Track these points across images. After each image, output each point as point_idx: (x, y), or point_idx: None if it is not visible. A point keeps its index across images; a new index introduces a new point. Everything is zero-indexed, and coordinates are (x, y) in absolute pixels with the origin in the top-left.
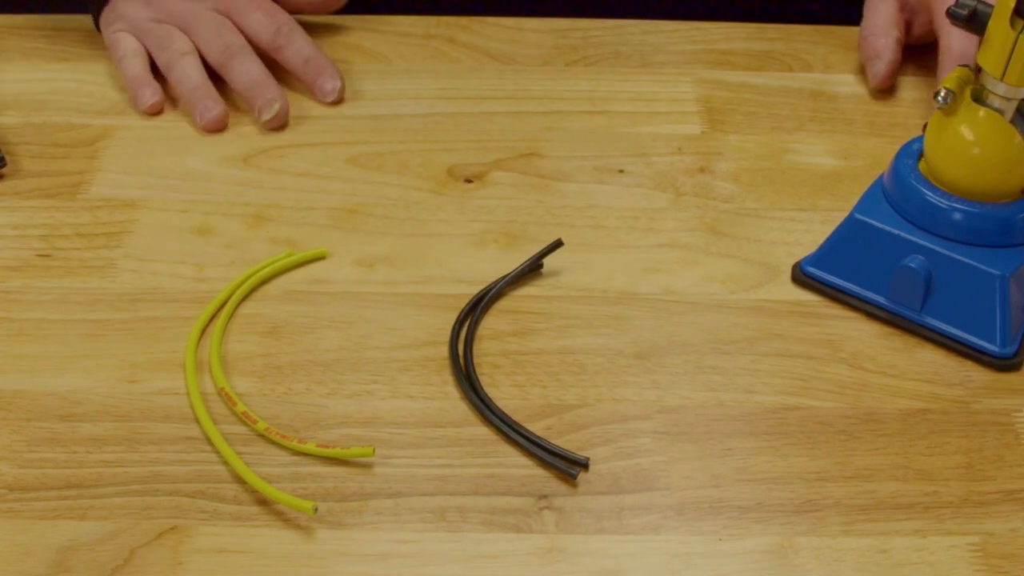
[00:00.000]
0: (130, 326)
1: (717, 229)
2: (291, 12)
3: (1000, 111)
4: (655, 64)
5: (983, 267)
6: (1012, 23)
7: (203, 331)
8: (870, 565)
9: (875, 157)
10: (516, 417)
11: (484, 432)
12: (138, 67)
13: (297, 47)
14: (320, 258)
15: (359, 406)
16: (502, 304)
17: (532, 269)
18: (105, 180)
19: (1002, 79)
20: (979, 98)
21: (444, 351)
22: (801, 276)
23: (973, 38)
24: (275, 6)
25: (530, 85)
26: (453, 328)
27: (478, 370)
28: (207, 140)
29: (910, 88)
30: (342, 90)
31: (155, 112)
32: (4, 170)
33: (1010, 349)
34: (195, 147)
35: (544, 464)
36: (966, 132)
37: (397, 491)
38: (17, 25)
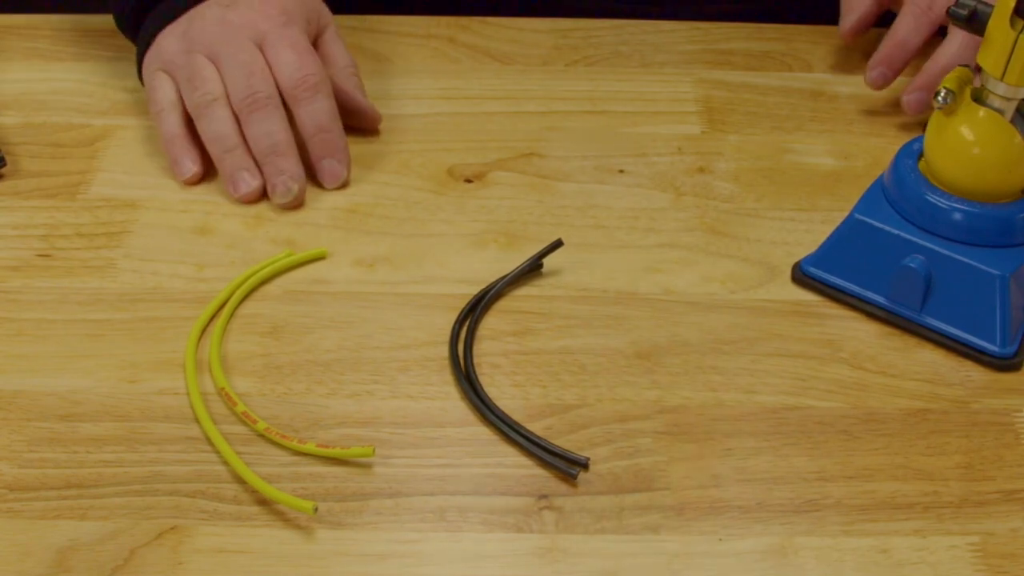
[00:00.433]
0: (130, 326)
1: (717, 229)
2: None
3: (1000, 111)
4: (655, 64)
5: (983, 267)
6: (1012, 23)
7: (203, 331)
8: (870, 565)
9: (875, 157)
10: (516, 417)
11: (484, 432)
12: (175, 127)
13: (315, 110)
14: (320, 258)
15: (359, 406)
16: (502, 304)
17: (532, 269)
18: (105, 180)
19: (1002, 79)
20: (979, 98)
21: (444, 351)
22: (801, 276)
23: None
24: (311, 52)
25: (530, 85)
26: (453, 328)
27: (478, 370)
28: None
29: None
30: (346, 180)
31: (195, 183)
32: (4, 170)
33: (1010, 349)
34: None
35: (544, 464)
36: (966, 132)
37: (397, 491)
38: (17, 25)
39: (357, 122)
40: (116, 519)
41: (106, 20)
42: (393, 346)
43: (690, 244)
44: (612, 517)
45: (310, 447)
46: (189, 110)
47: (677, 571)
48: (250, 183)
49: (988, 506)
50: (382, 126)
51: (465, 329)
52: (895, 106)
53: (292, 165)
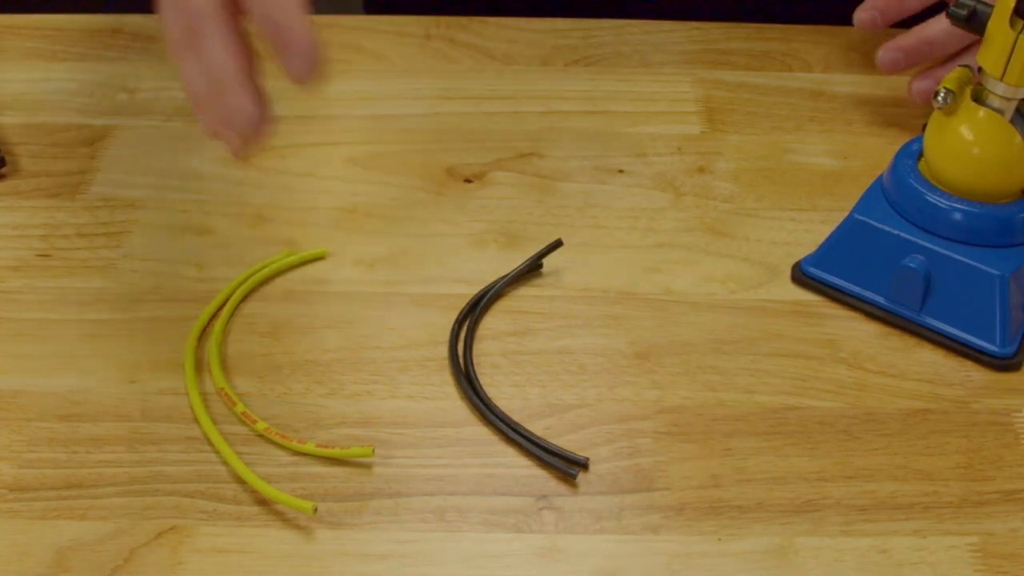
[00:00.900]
0: (130, 326)
1: (717, 229)
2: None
3: (1000, 111)
4: (655, 64)
5: (983, 267)
6: (1012, 23)
7: (203, 331)
8: (870, 565)
9: (875, 157)
10: (516, 417)
11: (484, 432)
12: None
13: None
14: (320, 258)
15: (359, 406)
16: (502, 304)
17: (532, 269)
18: (105, 180)
19: (1002, 79)
20: (979, 98)
21: (444, 351)
22: (801, 276)
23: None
24: None
25: (530, 85)
26: (453, 328)
27: (478, 370)
28: (207, 140)
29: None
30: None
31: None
32: (4, 170)
33: (1010, 349)
34: (195, 147)
35: (544, 464)
36: (966, 132)
37: (397, 491)
38: (17, 25)
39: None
40: (116, 519)
41: (106, 20)
42: (393, 346)
43: (690, 244)
44: (612, 517)
45: (310, 447)
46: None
47: (677, 571)
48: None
49: (988, 506)
50: (382, 126)
51: (465, 329)
52: (895, 106)
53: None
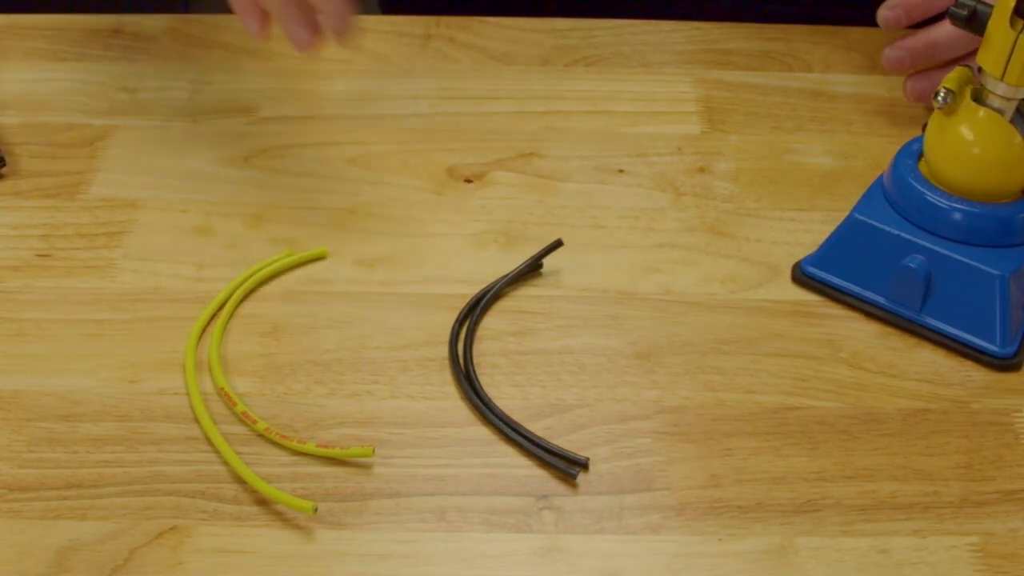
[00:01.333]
0: (130, 326)
1: (717, 229)
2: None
3: (1000, 111)
4: (655, 64)
5: (983, 267)
6: (1012, 23)
7: (203, 331)
8: (870, 565)
9: (875, 157)
10: (516, 417)
11: (484, 432)
12: None
13: None
14: (320, 258)
15: (359, 406)
16: (502, 304)
17: (532, 269)
18: (105, 180)
19: (1002, 79)
20: (979, 98)
21: (444, 351)
22: (801, 276)
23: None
24: None
25: (530, 85)
26: (453, 328)
27: (478, 370)
28: (207, 140)
29: None
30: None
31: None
32: (4, 170)
33: (1010, 349)
34: (195, 147)
35: (544, 464)
36: (966, 132)
37: (397, 491)
38: (17, 25)
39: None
40: (116, 519)
41: (106, 20)
42: (393, 346)
43: (690, 244)
44: (612, 517)
45: (310, 447)
46: None
47: (677, 571)
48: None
49: (988, 506)
50: (382, 125)
51: (465, 329)
52: (895, 106)
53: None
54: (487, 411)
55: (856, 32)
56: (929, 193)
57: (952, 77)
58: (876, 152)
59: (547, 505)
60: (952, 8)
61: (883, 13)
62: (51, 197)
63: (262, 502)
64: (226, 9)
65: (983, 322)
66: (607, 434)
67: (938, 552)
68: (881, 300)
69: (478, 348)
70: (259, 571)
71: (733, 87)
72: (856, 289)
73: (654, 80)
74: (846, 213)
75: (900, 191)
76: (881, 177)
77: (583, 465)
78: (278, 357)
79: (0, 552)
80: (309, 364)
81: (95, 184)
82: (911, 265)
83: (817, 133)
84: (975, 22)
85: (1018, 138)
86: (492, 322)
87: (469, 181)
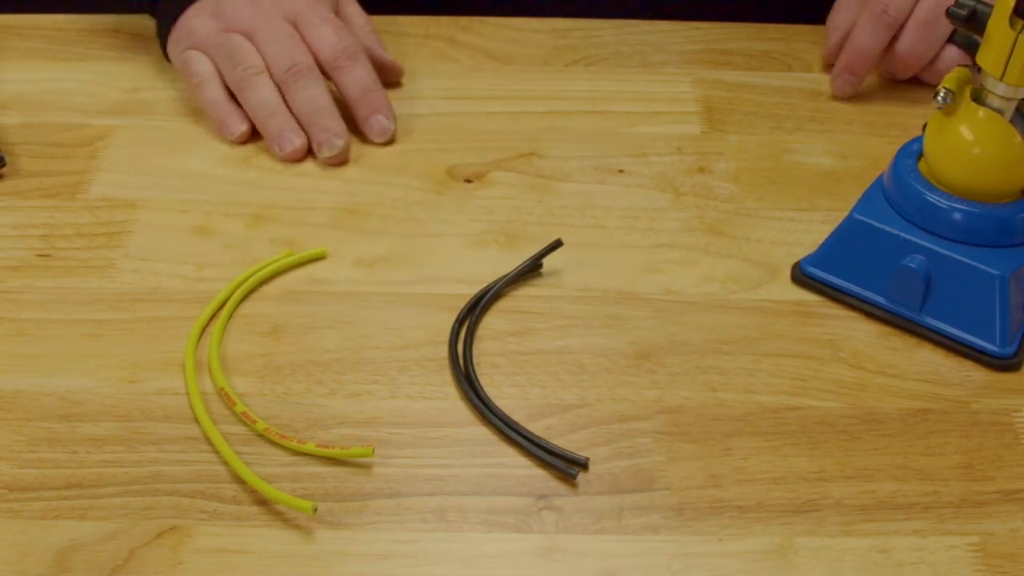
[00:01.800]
0: (130, 326)
1: (717, 229)
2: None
3: (1000, 111)
4: (655, 64)
5: (983, 267)
6: (1012, 23)
7: (203, 331)
8: (870, 565)
9: (875, 157)
10: (516, 417)
11: (484, 432)
12: (217, 93)
13: (358, 75)
14: (320, 258)
15: (359, 406)
16: (502, 304)
17: (532, 269)
18: (105, 180)
19: (1002, 79)
20: (979, 98)
21: (444, 351)
22: (801, 276)
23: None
24: (343, 25)
25: (530, 85)
26: (453, 328)
27: (478, 370)
28: (207, 140)
29: (909, 88)
30: (394, 133)
31: (243, 142)
32: (4, 170)
33: (1010, 349)
34: (195, 147)
35: (544, 464)
36: (966, 132)
37: (396, 491)
38: (18, 25)
39: (383, 77)
40: (116, 519)
41: (106, 20)
42: (393, 346)
43: (690, 244)
44: (612, 517)
45: (310, 447)
46: (230, 84)
47: (677, 571)
48: (294, 141)
49: (988, 506)
50: None
51: (465, 329)
52: (895, 106)
53: (336, 124)
54: (487, 411)
55: None
56: (929, 193)
57: (952, 77)
58: (876, 152)
59: (547, 505)
60: (952, 8)
61: (836, 86)
62: (51, 197)
63: (262, 502)
64: None
65: (983, 322)
66: (607, 434)
67: (938, 552)
68: (881, 300)
69: (478, 348)
70: (259, 571)
71: (733, 87)
72: (856, 289)
73: (654, 80)
74: (846, 213)
75: (900, 191)
76: (881, 177)
77: (583, 465)
78: (278, 357)
79: (0, 552)
80: (309, 364)
81: (95, 184)
82: (911, 265)
83: (817, 133)
84: (975, 22)
85: (1018, 138)
86: (492, 322)
87: (469, 181)
